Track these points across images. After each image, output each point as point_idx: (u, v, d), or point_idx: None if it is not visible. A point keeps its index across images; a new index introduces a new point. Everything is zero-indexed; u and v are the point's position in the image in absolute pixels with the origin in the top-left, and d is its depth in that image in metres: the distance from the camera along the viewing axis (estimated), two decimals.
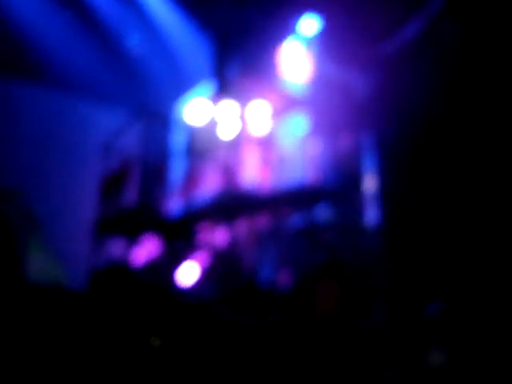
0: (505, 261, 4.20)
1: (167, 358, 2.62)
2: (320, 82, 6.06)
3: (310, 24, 6.16)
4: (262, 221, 6.17)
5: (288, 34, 6.29)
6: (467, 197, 4.64)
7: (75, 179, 6.83)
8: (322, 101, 6.01)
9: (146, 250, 6.40)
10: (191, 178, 7.03)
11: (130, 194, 7.13)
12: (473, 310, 4.15)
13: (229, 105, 6.52)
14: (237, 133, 6.50)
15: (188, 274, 5.95)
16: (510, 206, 4.34)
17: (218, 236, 6.30)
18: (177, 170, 7.25)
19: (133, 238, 6.55)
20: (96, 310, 2.71)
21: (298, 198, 5.80)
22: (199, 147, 7.04)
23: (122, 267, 3.14)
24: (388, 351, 2.39)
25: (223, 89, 6.62)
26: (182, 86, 7.02)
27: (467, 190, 4.66)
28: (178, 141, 7.35)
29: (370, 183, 5.64)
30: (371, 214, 5.56)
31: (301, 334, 2.35)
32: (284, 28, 6.31)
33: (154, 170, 7.25)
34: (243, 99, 6.54)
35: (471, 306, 4.20)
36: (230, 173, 6.42)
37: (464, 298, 4.33)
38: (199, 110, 6.80)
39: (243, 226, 6.26)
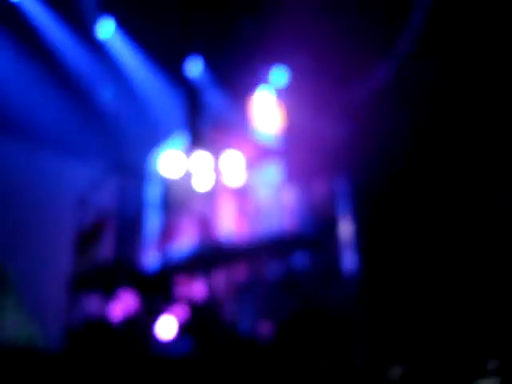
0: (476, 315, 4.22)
1: None
2: (292, 130, 6.15)
3: (279, 75, 6.29)
4: (240, 271, 6.14)
5: (258, 85, 6.41)
6: (442, 241, 4.68)
7: (50, 235, 6.74)
8: (294, 149, 6.09)
9: (123, 306, 6.30)
10: (167, 231, 6.99)
11: (106, 249, 7.05)
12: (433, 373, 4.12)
13: (202, 156, 6.56)
14: (212, 184, 6.52)
15: (166, 328, 5.85)
16: (488, 250, 4.39)
17: (196, 288, 6.24)
18: (153, 223, 7.21)
19: (109, 293, 6.44)
20: (74, 370, 2.65)
21: (275, 246, 5.81)
22: (175, 199, 7.03)
23: (100, 324, 3.09)
24: None
25: (196, 141, 6.67)
26: (155, 138, 7.06)
27: (442, 233, 4.70)
28: (153, 194, 7.33)
29: (345, 229, 5.67)
30: (348, 260, 5.57)
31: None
32: (254, 79, 6.43)
33: (129, 224, 7.20)
34: (216, 150, 6.59)
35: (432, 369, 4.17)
36: (206, 224, 6.41)
37: (425, 361, 4.29)
38: (173, 162, 6.82)
39: (221, 278, 6.22)
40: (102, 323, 2.98)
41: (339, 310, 5.17)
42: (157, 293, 6.41)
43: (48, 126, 6.49)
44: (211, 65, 6.70)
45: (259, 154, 6.48)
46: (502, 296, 4.16)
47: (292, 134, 6.15)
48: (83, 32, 6.40)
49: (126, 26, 6.50)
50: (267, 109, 6.31)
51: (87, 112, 6.72)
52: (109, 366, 2.78)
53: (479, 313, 4.18)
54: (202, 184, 6.57)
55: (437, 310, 4.47)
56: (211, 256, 6.14)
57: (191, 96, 6.82)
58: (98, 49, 6.61)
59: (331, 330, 2.50)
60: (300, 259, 5.71)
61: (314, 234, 5.86)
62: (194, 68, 6.75)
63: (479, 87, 4.66)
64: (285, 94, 6.30)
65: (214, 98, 6.75)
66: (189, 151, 6.72)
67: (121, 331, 5.79)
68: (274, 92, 6.37)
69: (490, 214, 4.50)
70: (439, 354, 4.20)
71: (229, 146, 6.56)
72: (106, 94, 6.90)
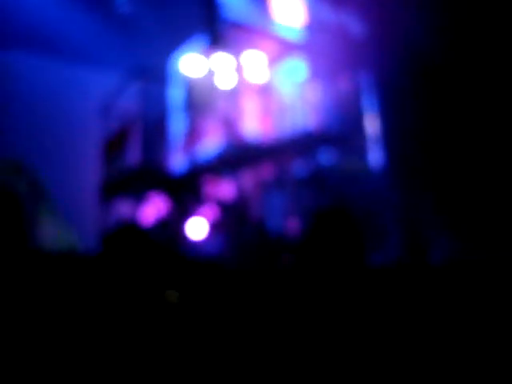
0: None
1: (183, 314, 2.65)
2: (315, 24, 5.96)
3: None
4: (267, 170, 6.17)
5: None
6: (471, 134, 4.62)
7: (76, 144, 6.82)
8: (318, 44, 5.92)
9: (153, 209, 6.43)
10: (193, 133, 6.99)
11: (133, 154, 7.11)
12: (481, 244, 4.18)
13: (223, 56, 6.43)
14: (235, 83, 6.42)
15: (197, 228, 5.98)
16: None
17: (224, 188, 6.31)
18: (177, 125, 7.21)
19: (139, 197, 6.56)
20: (111, 272, 2.74)
21: (300, 144, 5.77)
22: (198, 101, 6.97)
23: (132, 227, 3.16)
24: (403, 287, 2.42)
25: (216, 40, 6.51)
26: (175, 40, 6.92)
27: (471, 126, 4.64)
28: (176, 96, 7.28)
29: (371, 124, 5.61)
30: (375, 156, 5.55)
31: (314, 277, 2.36)
32: None
33: (154, 128, 7.21)
34: (238, 49, 6.44)
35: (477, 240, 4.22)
36: (230, 124, 6.38)
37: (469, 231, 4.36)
38: (195, 63, 6.71)
39: (248, 177, 6.26)
40: (134, 225, 3.04)
41: (368, 204, 5.21)
42: (185, 194, 6.51)
43: (69, 36, 6.41)
44: None
45: (282, 50, 6.31)
46: None
47: (315, 29, 5.96)
48: None
49: None
50: (289, 2, 6.08)
51: (106, 18, 6.58)
52: (142, 267, 2.86)
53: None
54: (224, 83, 6.48)
55: (464, 202, 4.48)
56: (237, 156, 6.15)
57: None
58: None
59: (356, 228, 2.51)
60: (326, 156, 5.69)
61: (340, 131, 5.81)
62: None
63: None
64: None
65: None
66: (209, 52, 6.58)
67: (153, 233, 5.95)
68: None
69: None
70: (472, 244, 4.26)
71: (250, 44, 6.39)
72: None
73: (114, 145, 7.15)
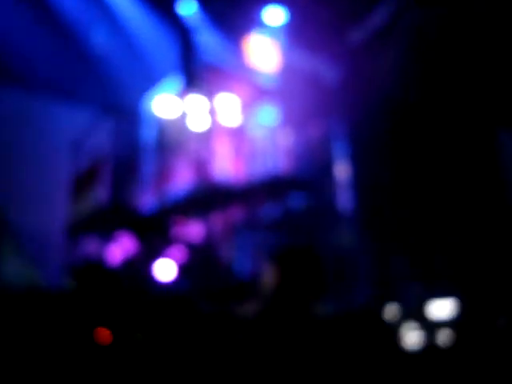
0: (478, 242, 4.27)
1: (149, 352, 2.61)
2: (288, 71, 6.07)
3: (276, 14, 6.16)
4: (237, 212, 6.17)
5: (254, 25, 6.29)
6: (437, 180, 4.71)
7: (46, 180, 6.73)
8: (291, 90, 6.03)
9: (121, 248, 6.35)
10: (163, 173, 6.98)
11: (102, 192, 7.06)
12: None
13: (197, 99, 6.49)
14: (207, 125, 6.47)
15: (165, 269, 5.92)
16: (481, 189, 4.42)
17: (193, 230, 6.28)
18: (148, 165, 7.19)
19: (107, 236, 6.48)
20: (75, 309, 2.69)
21: (271, 187, 5.82)
22: (170, 141, 6.99)
23: (98, 265, 3.12)
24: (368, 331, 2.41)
25: (190, 83, 6.58)
26: (149, 80, 6.96)
27: (436, 172, 4.73)
28: (148, 136, 7.29)
29: (341, 170, 5.68)
30: (343, 200, 5.60)
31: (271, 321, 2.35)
32: (250, 19, 6.30)
33: (125, 167, 7.18)
34: (212, 92, 6.51)
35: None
36: (202, 165, 6.40)
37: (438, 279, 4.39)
38: (168, 104, 6.75)
39: (218, 219, 6.26)
40: (100, 264, 3.01)
41: (335, 248, 5.24)
42: (154, 235, 6.46)
43: (40, 71, 6.40)
44: (205, 4, 6.54)
45: (255, 95, 6.41)
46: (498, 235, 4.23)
47: (288, 75, 6.08)
48: None
49: None
50: (263, 49, 6.20)
51: (80, 55, 6.60)
52: (108, 304, 2.81)
53: (479, 250, 4.25)
54: (197, 124, 6.52)
55: (432, 244, 4.54)
56: (208, 197, 6.15)
57: (185, 37, 6.68)
58: None
59: (318, 267, 2.52)
60: (296, 200, 5.73)
61: (310, 175, 5.87)
62: (188, 7, 6.59)
63: (473, 34, 4.60)
64: (281, 34, 6.19)
65: (208, 39, 6.61)
66: (183, 93, 6.64)
67: (119, 273, 5.86)
68: (269, 32, 6.25)
69: (487, 156, 4.52)
70: (435, 287, 4.29)
71: (224, 87, 6.48)
72: (99, 36, 6.77)
73: (84, 182, 7.10)
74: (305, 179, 5.84)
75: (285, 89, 6.16)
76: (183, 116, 6.60)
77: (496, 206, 4.31)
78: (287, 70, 6.12)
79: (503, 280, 3.95)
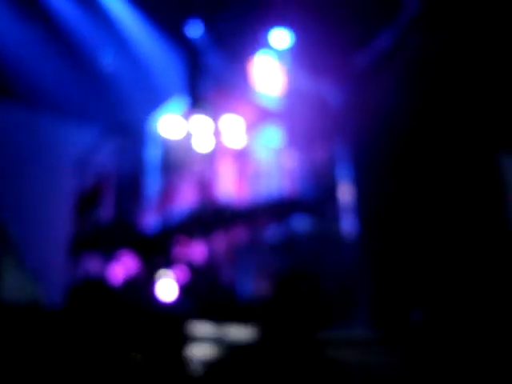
0: (478, 266, 4.25)
1: (149, 373, 2.59)
2: (293, 94, 6.10)
3: (281, 37, 6.21)
4: (240, 234, 6.16)
5: (260, 48, 6.34)
6: (441, 204, 4.70)
7: (50, 197, 6.76)
8: (296, 112, 6.05)
9: (123, 267, 6.34)
10: (167, 193, 7.00)
11: (106, 211, 7.07)
12: (451, 316, 4.18)
13: (202, 120, 6.53)
14: (212, 146, 6.50)
15: (166, 289, 5.90)
16: (483, 213, 4.41)
17: (196, 250, 6.27)
18: (152, 185, 7.21)
19: (109, 254, 6.48)
20: (74, 327, 2.67)
21: (275, 209, 5.81)
22: (175, 161, 7.02)
23: (99, 283, 3.10)
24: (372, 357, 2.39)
25: (196, 103, 6.62)
26: (155, 101, 7.01)
27: (441, 196, 4.72)
28: (152, 156, 7.32)
29: (345, 193, 5.68)
30: (347, 224, 5.59)
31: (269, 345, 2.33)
32: (255, 42, 6.35)
33: (129, 186, 7.20)
34: (217, 113, 6.55)
35: (449, 313, 4.23)
36: (205, 186, 6.41)
37: (441, 305, 4.36)
38: (173, 124, 6.79)
39: (221, 240, 6.25)
40: (100, 282, 2.99)
41: (338, 272, 5.21)
42: (157, 254, 6.45)
43: (47, 90, 6.46)
44: (212, 26, 6.60)
45: (260, 117, 6.44)
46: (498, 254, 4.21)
47: (293, 98, 6.11)
48: None
49: None
50: (268, 71, 6.24)
51: (86, 75, 6.67)
52: (110, 323, 2.79)
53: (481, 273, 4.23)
54: (201, 146, 6.55)
55: (437, 270, 4.51)
56: (211, 218, 6.15)
57: (191, 58, 6.75)
58: (97, 10, 6.52)
59: (320, 292, 2.50)
60: (300, 223, 5.72)
61: (314, 198, 5.86)
62: (195, 30, 6.66)
63: (479, 59, 4.63)
64: (286, 57, 6.23)
65: (214, 60, 6.67)
66: (189, 114, 6.68)
67: (121, 292, 5.84)
68: (275, 54, 6.29)
69: (488, 180, 4.52)
70: (442, 313, 4.25)
71: (229, 109, 6.51)
72: (106, 57, 6.83)
73: (88, 200, 7.11)
74: (308, 201, 5.84)
75: (289, 111, 6.18)
76: (188, 137, 6.63)
77: (497, 231, 4.29)
78: (292, 92, 6.15)
79: None
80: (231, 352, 2.38)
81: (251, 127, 6.49)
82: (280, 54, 6.27)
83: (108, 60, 6.82)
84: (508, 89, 4.47)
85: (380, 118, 5.17)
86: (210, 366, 2.40)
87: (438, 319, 4.08)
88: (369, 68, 5.53)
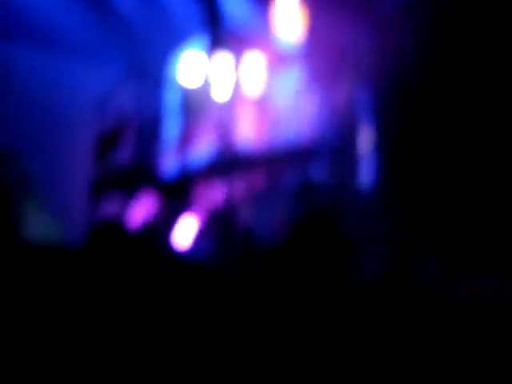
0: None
1: (165, 318, 2.64)
2: (314, 36, 5.98)
3: None
4: (258, 179, 6.17)
5: None
6: (467, 151, 4.64)
7: (69, 139, 6.79)
8: (316, 54, 5.95)
9: (142, 209, 6.41)
10: (186, 137, 6.99)
11: (125, 153, 7.10)
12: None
13: (222, 58, 6.43)
14: (231, 92, 6.43)
15: (185, 233, 5.97)
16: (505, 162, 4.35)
17: (214, 195, 6.30)
18: (171, 128, 7.20)
19: (129, 196, 6.55)
20: (92, 269, 2.73)
21: (294, 155, 5.79)
22: (194, 105, 6.98)
23: (117, 225, 3.15)
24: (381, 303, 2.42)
25: (216, 42, 6.52)
26: (174, 42, 6.92)
27: (467, 143, 4.65)
28: (172, 99, 7.28)
29: (366, 137, 5.63)
30: (367, 170, 5.56)
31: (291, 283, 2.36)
32: None
33: (148, 129, 7.20)
34: (236, 55, 6.45)
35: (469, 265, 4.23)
36: (224, 131, 6.39)
37: (458, 254, 4.36)
38: (192, 66, 6.71)
39: (239, 185, 6.26)
40: (119, 224, 3.04)
41: (357, 218, 5.22)
42: (176, 197, 6.50)
43: (65, 31, 6.40)
44: None
45: (280, 61, 6.33)
46: None
47: (314, 40, 5.98)
48: None
49: None
50: (289, 14, 6.10)
51: (104, 15, 6.57)
52: (126, 267, 2.85)
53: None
54: (221, 91, 6.49)
55: (456, 219, 4.49)
56: (229, 163, 6.16)
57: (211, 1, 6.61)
58: None
59: (337, 233, 2.51)
60: (319, 168, 5.70)
61: (334, 143, 5.82)
62: None
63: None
64: (308, 1, 6.08)
65: (234, 2, 6.53)
66: (208, 53, 6.59)
67: (139, 235, 5.93)
68: None
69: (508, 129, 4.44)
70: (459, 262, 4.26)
71: (248, 52, 6.41)
72: None
73: (108, 142, 7.14)
74: (328, 147, 5.80)
75: (310, 53, 6.07)
76: (208, 81, 6.57)
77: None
78: (313, 34, 6.03)
79: None
80: (250, 294, 2.42)
81: (271, 72, 6.40)
82: None
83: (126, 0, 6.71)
84: None
85: (400, 65, 5.07)
86: (229, 308, 2.45)
87: (450, 271, 4.09)
88: (391, 13, 5.39)
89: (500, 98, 4.47)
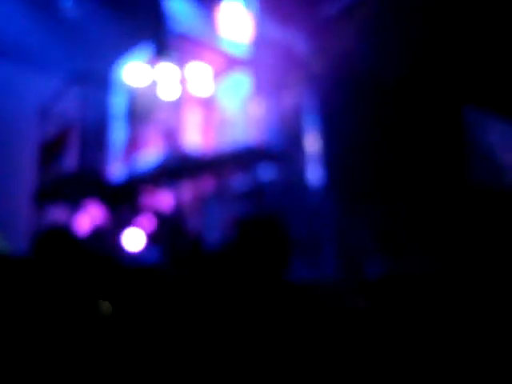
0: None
1: (116, 322, 2.61)
2: (261, 41, 6.02)
3: None
4: (206, 183, 6.16)
5: None
6: (406, 152, 4.75)
7: (12, 147, 6.63)
8: (263, 60, 5.99)
9: (89, 217, 6.31)
10: (133, 142, 6.92)
11: (70, 160, 6.97)
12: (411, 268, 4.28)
13: (168, 67, 6.40)
14: (178, 94, 6.40)
15: (133, 239, 5.90)
16: (445, 164, 4.48)
17: (162, 199, 6.26)
18: (118, 133, 7.12)
19: (75, 204, 6.43)
20: (40, 276, 2.67)
21: (241, 158, 5.81)
22: (140, 110, 6.92)
23: (63, 232, 3.09)
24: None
25: (161, 51, 6.48)
26: (120, 47, 6.85)
27: (405, 144, 4.77)
28: (118, 104, 7.20)
29: (312, 142, 5.70)
30: (313, 173, 5.63)
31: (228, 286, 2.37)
32: None
33: (94, 134, 7.09)
34: (182, 60, 6.43)
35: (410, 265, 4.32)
36: (172, 135, 6.35)
37: (402, 257, 4.46)
38: (138, 72, 6.66)
39: (187, 189, 6.24)
40: (65, 231, 2.98)
41: (304, 221, 5.28)
42: (123, 204, 6.42)
43: (9, 36, 6.26)
44: None
45: (227, 65, 6.35)
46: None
47: (260, 45, 6.03)
48: None
49: None
50: (235, 18, 6.13)
51: (49, 20, 6.46)
52: (73, 273, 2.80)
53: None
54: (168, 94, 6.45)
55: (399, 220, 4.59)
56: (177, 167, 6.12)
57: (157, 4, 6.57)
58: None
59: (281, 234, 2.54)
60: (266, 171, 5.74)
61: (281, 147, 5.87)
62: None
63: (444, 13, 4.61)
64: (254, 4, 6.12)
65: (180, 6, 6.51)
66: (154, 61, 6.55)
67: (87, 242, 5.83)
68: (242, 1, 6.17)
69: (453, 133, 4.58)
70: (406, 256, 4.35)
71: (195, 56, 6.40)
72: (69, 2, 6.61)
73: (51, 149, 7.00)
74: (275, 150, 5.84)
75: (257, 58, 6.11)
76: (153, 84, 6.52)
77: (458, 182, 4.38)
78: (260, 40, 6.07)
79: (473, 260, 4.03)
80: (200, 296, 2.42)
81: (218, 75, 6.41)
82: (247, 1, 6.16)
83: (71, 4, 6.61)
84: (476, 41, 4.48)
85: (346, 68, 5.16)
86: (180, 311, 2.43)
87: (397, 272, 4.18)
88: (336, 17, 5.48)
89: (438, 99, 4.61)
